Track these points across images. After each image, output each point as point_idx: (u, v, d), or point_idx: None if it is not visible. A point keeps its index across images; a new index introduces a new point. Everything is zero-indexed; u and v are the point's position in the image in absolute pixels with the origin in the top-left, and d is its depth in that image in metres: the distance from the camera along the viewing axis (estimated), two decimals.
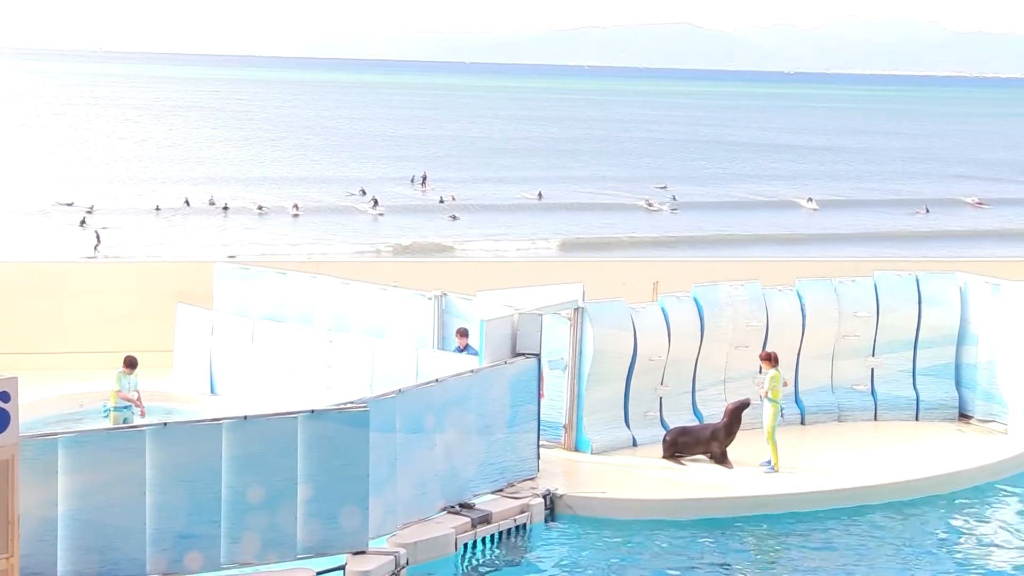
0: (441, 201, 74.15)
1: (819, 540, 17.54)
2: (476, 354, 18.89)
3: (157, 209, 66.43)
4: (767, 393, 19.28)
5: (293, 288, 22.67)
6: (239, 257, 42.11)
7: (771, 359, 19.51)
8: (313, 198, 71.88)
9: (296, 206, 67.60)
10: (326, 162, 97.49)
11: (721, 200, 79.61)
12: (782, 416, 19.47)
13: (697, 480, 18.96)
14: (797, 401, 22.39)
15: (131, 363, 19.01)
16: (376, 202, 68.32)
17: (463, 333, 20.10)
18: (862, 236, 66.61)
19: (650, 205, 73.80)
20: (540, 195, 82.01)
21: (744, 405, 19.91)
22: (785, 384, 19.61)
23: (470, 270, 27.92)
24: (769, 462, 19.26)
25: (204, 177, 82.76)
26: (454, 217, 72.37)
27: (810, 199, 79.41)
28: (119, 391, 18.83)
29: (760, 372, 20.48)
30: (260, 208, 67.06)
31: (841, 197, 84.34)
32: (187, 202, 68.34)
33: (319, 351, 21.11)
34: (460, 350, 19.92)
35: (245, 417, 14.62)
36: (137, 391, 19.05)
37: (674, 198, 74.69)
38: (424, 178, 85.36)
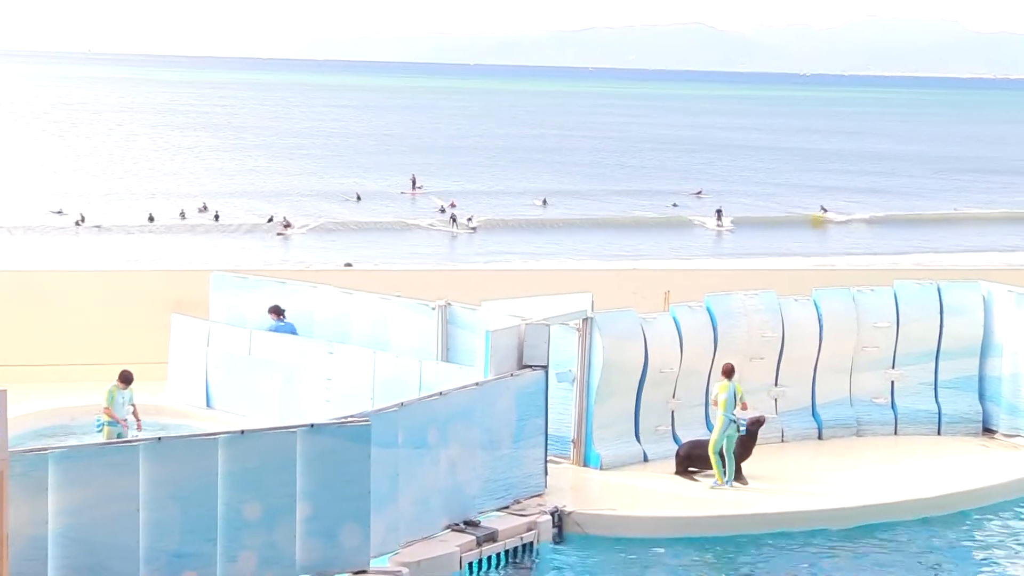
0: (442, 211, 74.22)
1: (838, 559, 17.50)
2: (292, 330, 21.72)
3: (151, 219, 66.62)
4: (714, 402, 19.40)
5: (292, 297, 22.69)
6: (237, 266, 42.17)
7: (724, 372, 19.53)
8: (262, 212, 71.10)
9: (285, 221, 67.78)
10: (315, 170, 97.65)
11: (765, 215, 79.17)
12: (740, 430, 19.23)
13: (711, 497, 18.95)
14: (814, 415, 22.37)
15: (126, 378, 18.96)
16: (288, 224, 66.45)
17: (276, 311, 21.97)
18: (881, 245, 66.74)
19: (719, 224, 72.88)
20: (544, 202, 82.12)
21: (759, 422, 19.90)
22: (744, 407, 19.37)
23: (475, 279, 27.92)
24: (728, 480, 19.26)
25: (195, 187, 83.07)
26: (443, 210, 72.51)
27: (824, 209, 79.29)
28: (107, 407, 18.80)
29: (776, 385, 20.49)
30: (274, 222, 66.99)
31: (860, 205, 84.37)
32: (182, 214, 68.59)
33: (319, 363, 21.11)
34: (276, 328, 21.83)
35: (242, 432, 14.62)
36: (133, 404, 19.05)
37: (720, 215, 73.99)
38: (414, 181, 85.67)
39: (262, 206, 74.25)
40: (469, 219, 70.34)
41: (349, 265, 46.00)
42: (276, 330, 22.05)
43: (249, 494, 14.47)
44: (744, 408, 19.43)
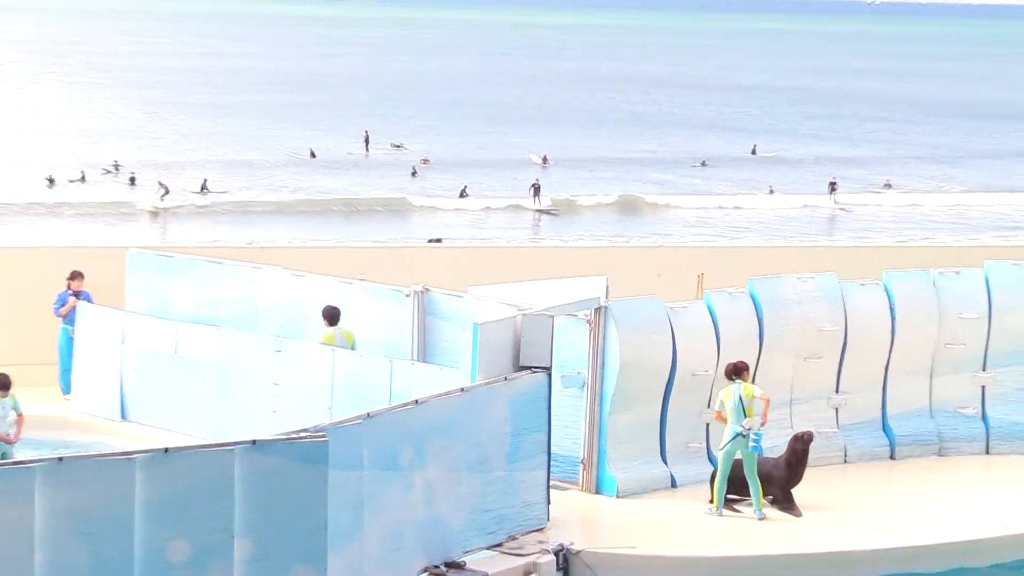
0: (414, 174, 74.58)
1: None
2: (88, 298, 22.53)
3: (50, 181, 66.66)
4: (718, 415, 19.45)
5: (230, 281, 22.63)
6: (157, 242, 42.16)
7: (728, 372, 19.51)
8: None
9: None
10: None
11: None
12: (751, 447, 19.14)
13: (755, 532, 18.92)
14: (886, 429, 22.38)
15: (2, 383, 18.91)
16: (165, 191, 66.78)
17: (75, 275, 22.90)
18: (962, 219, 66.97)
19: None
20: (545, 159, 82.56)
21: (804, 439, 19.86)
22: (748, 426, 19.10)
23: (459, 258, 27.90)
24: (756, 511, 19.32)
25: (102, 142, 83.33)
26: (414, 172, 72.87)
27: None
28: None
29: (837, 391, 20.41)
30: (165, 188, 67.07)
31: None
32: (83, 177, 68.62)
33: (263, 363, 21.07)
34: (73, 294, 22.75)
35: (166, 450, 14.54)
36: (17, 412, 18.97)
37: None
38: (367, 139, 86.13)
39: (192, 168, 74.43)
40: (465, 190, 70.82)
41: (438, 241, 46.46)
42: (64, 301, 22.86)
43: (174, 529, 14.39)
44: (765, 416, 19.19)
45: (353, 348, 20.95)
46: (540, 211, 68.83)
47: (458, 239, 55.61)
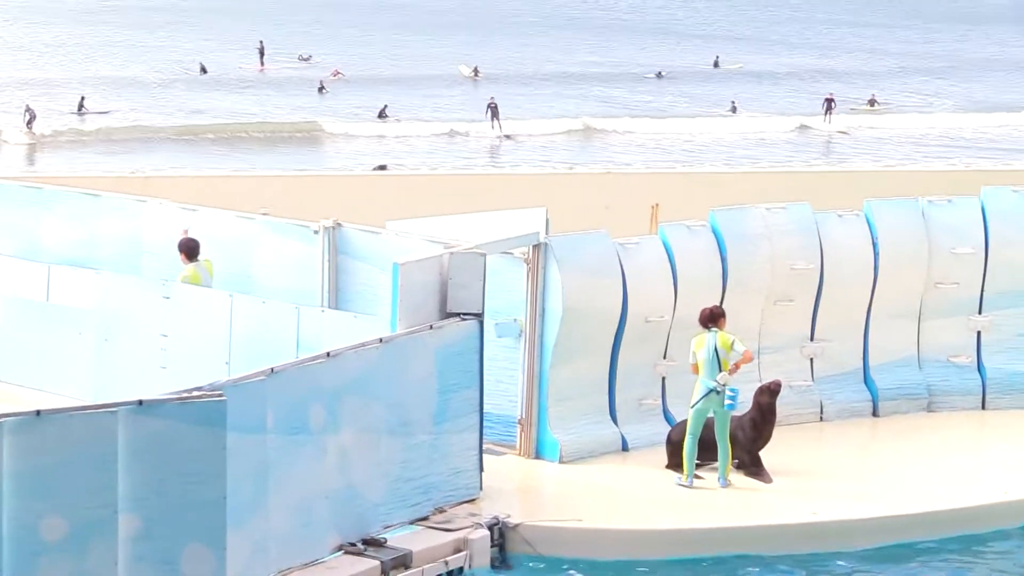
0: (321, 90, 74.29)
1: None
2: None
3: None
4: (693, 366, 19.28)
5: (109, 217, 22.53)
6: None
7: (702, 319, 19.41)
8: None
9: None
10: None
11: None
12: (728, 404, 19.15)
13: (716, 501, 19.04)
14: (867, 382, 22.57)
15: None
16: (32, 116, 66.37)
17: None
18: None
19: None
20: (476, 72, 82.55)
21: (771, 390, 19.92)
22: (736, 367, 19.12)
23: (376, 188, 27.87)
24: (721, 479, 19.48)
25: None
26: (321, 88, 72.51)
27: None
28: None
29: (812, 339, 20.48)
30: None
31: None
32: None
33: (150, 311, 21.00)
34: None
35: (38, 413, 14.49)
36: None
37: None
38: (261, 51, 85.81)
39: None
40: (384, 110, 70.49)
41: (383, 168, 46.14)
42: None
43: (48, 504, 14.36)
44: (737, 368, 19.29)
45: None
46: (502, 136, 67.88)
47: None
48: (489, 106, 69.37)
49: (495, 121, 68.50)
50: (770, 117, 74.69)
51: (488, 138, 67.65)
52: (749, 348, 19.95)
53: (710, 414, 19.26)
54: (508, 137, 67.57)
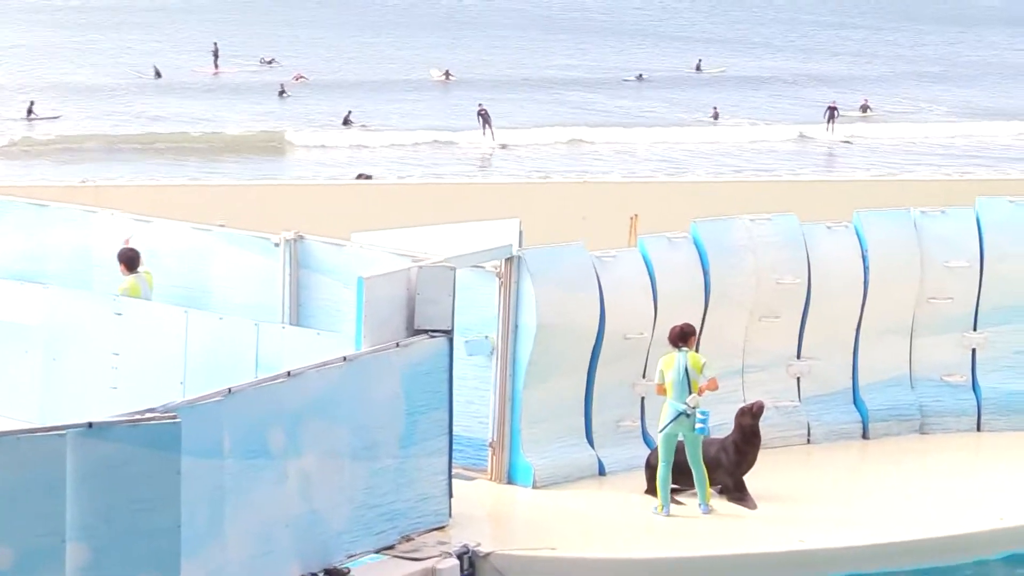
0: (281, 94, 74.38)
1: None
2: None
3: None
4: (659, 387, 19.26)
5: (58, 228, 22.47)
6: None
7: (672, 337, 19.36)
8: None
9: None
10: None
11: None
12: (699, 428, 19.12)
13: (698, 528, 19.03)
14: (857, 402, 22.61)
15: None
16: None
17: None
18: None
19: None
20: (448, 75, 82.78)
21: (757, 411, 19.91)
22: (706, 389, 19.14)
23: (341, 197, 27.86)
24: (702, 505, 19.46)
25: None
26: (282, 93, 72.63)
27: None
28: None
29: (799, 357, 20.49)
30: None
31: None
32: None
33: (100, 328, 20.97)
34: None
35: None
36: None
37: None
38: (216, 53, 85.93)
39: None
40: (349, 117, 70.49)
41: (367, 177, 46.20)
42: None
43: None
44: (702, 393, 19.19)
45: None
46: (496, 146, 67.57)
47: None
48: (480, 113, 69.36)
49: (487, 128, 68.40)
50: (771, 125, 74.83)
51: (481, 147, 67.46)
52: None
53: (680, 438, 19.23)
54: (504, 147, 67.40)
